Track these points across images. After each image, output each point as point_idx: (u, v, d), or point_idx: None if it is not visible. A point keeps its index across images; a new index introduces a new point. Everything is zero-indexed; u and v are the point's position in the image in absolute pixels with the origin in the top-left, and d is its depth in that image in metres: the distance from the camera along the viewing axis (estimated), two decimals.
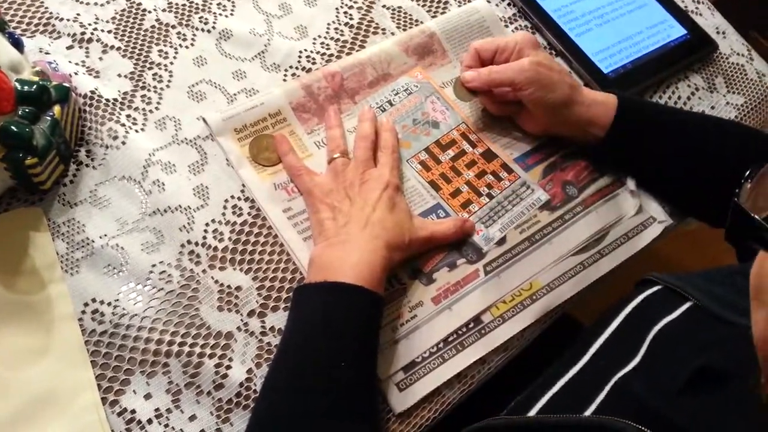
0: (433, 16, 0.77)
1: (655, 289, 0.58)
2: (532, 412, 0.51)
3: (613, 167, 0.70)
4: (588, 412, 0.48)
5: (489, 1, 0.78)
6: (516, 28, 0.79)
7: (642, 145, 0.66)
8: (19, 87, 0.55)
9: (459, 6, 0.78)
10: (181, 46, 0.69)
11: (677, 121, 0.68)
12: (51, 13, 0.67)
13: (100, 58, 0.66)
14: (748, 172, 0.34)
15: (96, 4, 0.69)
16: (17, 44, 0.59)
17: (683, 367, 0.49)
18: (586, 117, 0.65)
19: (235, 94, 0.67)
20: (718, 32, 0.85)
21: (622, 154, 0.67)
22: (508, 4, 0.80)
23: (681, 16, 0.82)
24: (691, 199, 0.69)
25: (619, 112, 0.65)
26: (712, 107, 0.79)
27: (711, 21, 0.85)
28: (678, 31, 0.81)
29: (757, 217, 0.32)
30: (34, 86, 0.55)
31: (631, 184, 0.69)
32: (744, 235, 0.32)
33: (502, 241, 0.64)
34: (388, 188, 0.60)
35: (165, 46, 0.68)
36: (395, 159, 0.64)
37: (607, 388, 0.50)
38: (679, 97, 0.78)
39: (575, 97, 0.65)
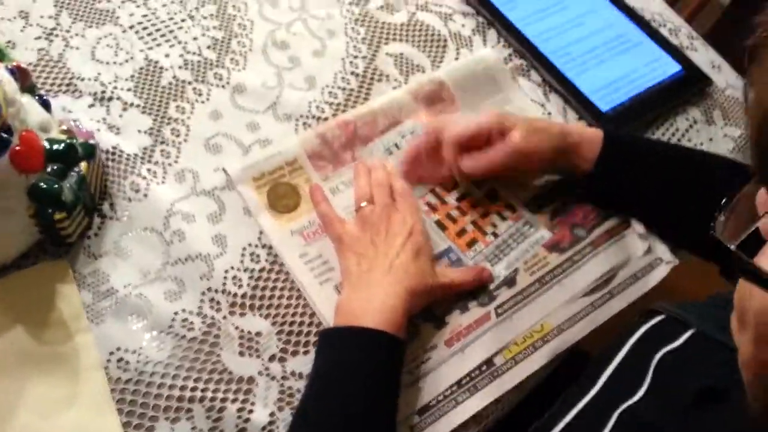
0: (432, 61, 0.80)
1: (659, 318, 0.60)
2: None
3: (601, 203, 0.70)
4: None
5: (493, 46, 0.80)
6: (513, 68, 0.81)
7: (627, 182, 0.67)
8: (48, 146, 0.57)
9: (457, 51, 0.80)
10: (197, 101, 0.71)
11: (663, 155, 0.69)
12: (73, 73, 0.70)
13: (120, 115, 0.69)
14: (721, 204, 0.36)
15: (115, 63, 0.72)
16: (45, 105, 0.62)
17: (687, 389, 0.51)
18: (573, 160, 0.66)
19: (249, 146, 0.69)
20: (713, 66, 0.87)
21: (608, 189, 0.67)
22: (504, 45, 0.82)
23: (675, 52, 0.84)
24: (681, 234, 0.69)
25: (605, 148, 0.65)
26: (710, 139, 0.81)
27: (706, 56, 0.88)
28: (673, 67, 0.83)
29: (732, 246, 0.33)
30: (63, 144, 0.58)
31: (638, 227, 0.69)
32: (726, 264, 0.34)
33: (512, 283, 0.64)
34: (413, 234, 0.61)
35: (182, 101, 0.71)
36: (413, 204, 0.65)
37: (612, 420, 0.52)
38: (677, 129, 0.80)
39: (563, 147, 0.65)
